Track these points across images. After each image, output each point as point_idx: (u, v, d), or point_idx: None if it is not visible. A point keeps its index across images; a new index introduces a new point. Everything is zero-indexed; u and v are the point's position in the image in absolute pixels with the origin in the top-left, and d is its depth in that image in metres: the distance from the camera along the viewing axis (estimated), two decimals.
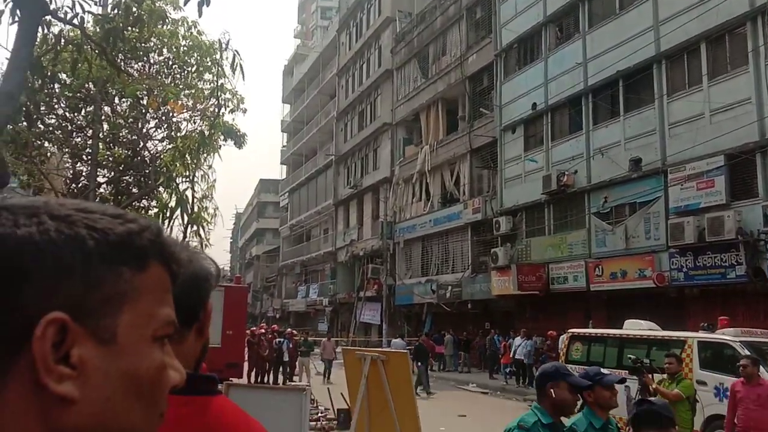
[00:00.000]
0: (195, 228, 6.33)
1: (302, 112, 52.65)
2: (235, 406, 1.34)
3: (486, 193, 26.87)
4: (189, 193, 6.46)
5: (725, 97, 16.36)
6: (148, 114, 8.89)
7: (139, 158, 8.93)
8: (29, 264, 0.61)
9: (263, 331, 22.57)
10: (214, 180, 7.17)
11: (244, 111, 8.03)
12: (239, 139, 8.45)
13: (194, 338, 1.26)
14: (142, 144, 8.93)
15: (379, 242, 34.09)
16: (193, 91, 8.21)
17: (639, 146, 18.82)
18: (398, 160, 34.41)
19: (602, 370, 4.14)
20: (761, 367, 8.40)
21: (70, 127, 9.69)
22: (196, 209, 6.31)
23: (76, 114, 9.47)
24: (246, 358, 19.57)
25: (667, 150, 17.87)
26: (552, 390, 3.47)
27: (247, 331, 20.79)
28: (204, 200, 6.70)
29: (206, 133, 7.06)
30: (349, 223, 41.45)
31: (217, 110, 7.48)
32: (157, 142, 9.05)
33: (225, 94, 7.63)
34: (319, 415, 13.63)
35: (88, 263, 0.63)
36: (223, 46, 6.18)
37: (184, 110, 8.05)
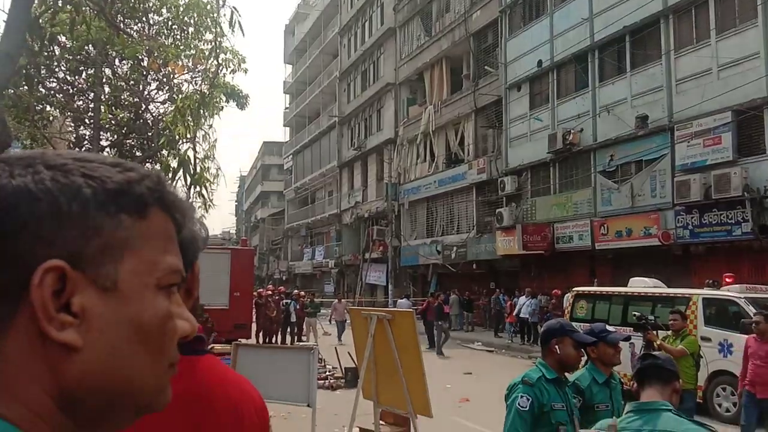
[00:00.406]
0: (198, 189, 6.34)
1: (304, 73, 52.19)
2: (224, 366, 1.34)
3: (491, 153, 26.75)
4: (190, 153, 6.46)
5: (733, 51, 16.11)
6: (149, 76, 8.84)
7: (141, 121, 8.90)
8: (25, 213, 0.61)
9: (270, 292, 22.77)
10: (215, 140, 7.14)
11: (245, 71, 7.97)
12: (241, 100, 8.39)
13: (183, 299, 1.26)
14: (144, 107, 8.89)
15: (384, 204, 34.11)
16: (193, 51, 8.14)
17: (645, 103, 18.64)
18: (402, 121, 34.19)
19: (607, 327, 4.17)
20: None
21: (71, 91, 9.64)
22: (198, 170, 6.30)
23: (77, 77, 9.40)
24: (254, 319, 19.79)
25: (674, 107, 17.70)
26: (557, 346, 3.53)
27: (255, 293, 21.00)
28: (206, 160, 6.69)
29: (206, 92, 7.00)
30: (354, 185, 41.42)
31: (216, 70, 7.43)
32: (159, 104, 9.02)
33: (225, 54, 7.55)
34: (327, 373, 13.85)
35: (86, 211, 0.63)
36: (220, 2, 6.09)
37: (185, 71, 7.98)
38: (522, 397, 3.38)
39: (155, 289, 0.67)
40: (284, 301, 21.73)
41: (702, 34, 17.21)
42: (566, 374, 3.67)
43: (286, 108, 60.46)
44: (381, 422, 8.52)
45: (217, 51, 6.34)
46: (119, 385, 0.65)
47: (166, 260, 0.68)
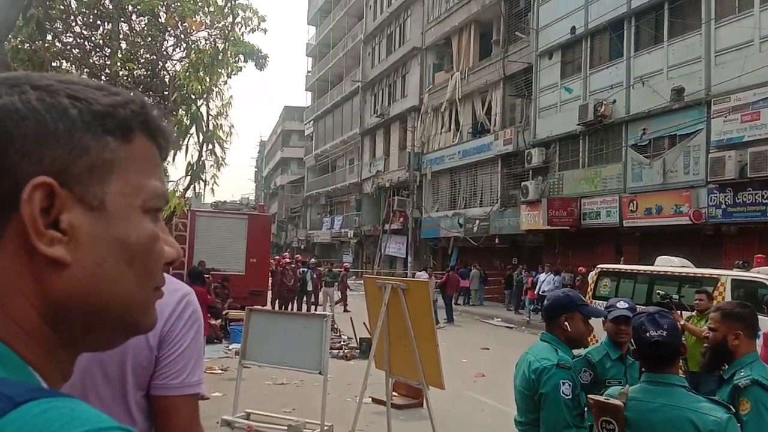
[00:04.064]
0: (210, 147, 6.37)
1: (328, 35, 51.80)
2: None
3: (518, 123, 26.50)
4: (204, 109, 6.50)
5: None
6: (166, 33, 8.86)
7: (157, 79, 8.96)
8: (12, 130, 0.64)
9: (288, 260, 23.00)
10: (231, 96, 7.16)
11: (265, 31, 7.94)
12: (260, 60, 8.37)
13: None
14: (161, 64, 8.94)
15: (406, 174, 34.05)
16: (212, 8, 8.12)
17: (682, 75, 18.29)
18: (427, 88, 33.92)
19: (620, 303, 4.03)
20: None
21: (87, 46, 9.70)
22: (210, 127, 6.32)
23: (93, 32, 9.46)
24: (270, 287, 20.02)
25: (711, 79, 17.34)
26: (566, 323, 3.33)
27: (271, 260, 21.21)
28: (219, 117, 6.71)
29: (221, 47, 7.01)
30: (376, 153, 41.34)
31: (233, 23, 7.41)
32: (176, 62, 9.06)
33: (244, 11, 7.52)
34: (342, 343, 14.04)
35: (71, 131, 0.66)
36: None
37: (203, 27, 7.98)
38: (564, 384, 3.18)
39: (141, 212, 0.70)
40: (301, 269, 21.92)
41: (745, 4, 16.76)
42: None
43: (309, 72, 60.19)
44: (394, 393, 8.66)
45: (233, 6, 6.30)
46: (105, 302, 0.68)
47: (151, 184, 0.72)
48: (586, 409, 3.31)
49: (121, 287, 0.69)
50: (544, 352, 3.32)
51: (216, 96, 7.00)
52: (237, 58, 7.88)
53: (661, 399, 2.51)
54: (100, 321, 0.69)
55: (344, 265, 27.63)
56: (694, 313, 8.42)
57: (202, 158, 6.56)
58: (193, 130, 6.31)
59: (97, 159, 0.67)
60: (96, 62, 9.47)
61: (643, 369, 2.87)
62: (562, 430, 3.13)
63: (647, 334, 2.56)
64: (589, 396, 2.78)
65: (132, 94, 0.74)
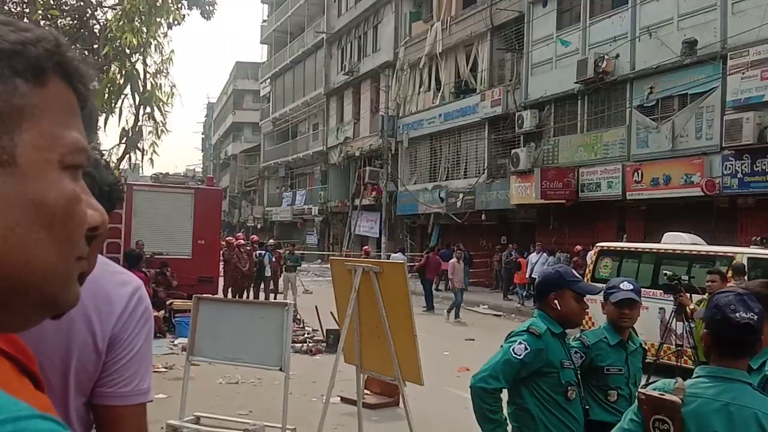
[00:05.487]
0: (149, 110, 6.30)
1: None
2: None
3: (508, 81, 26.58)
4: (140, 66, 6.41)
5: None
6: None
7: (86, 30, 8.80)
8: None
9: (242, 241, 22.93)
10: (172, 51, 7.05)
11: None
12: (207, 7, 8.24)
13: None
14: (89, 12, 8.79)
15: (379, 141, 34.03)
16: None
17: (695, 25, 18.45)
18: (403, 41, 33.82)
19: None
20: None
21: None
22: (148, 87, 6.26)
23: None
24: (221, 273, 19.97)
25: (728, 30, 17.52)
26: (556, 301, 3.55)
27: (223, 242, 21.14)
28: (158, 76, 6.62)
29: None
30: (344, 117, 41.21)
31: None
32: (107, 9, 8.90)
33: None
34: (306, 336, 14.11)
35: None
36: None
37: None
38: (520, 343, 3.40)
39: (59, 168, 0.69)
40: (258, 252, 21.88)
41: None
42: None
43: (264, 21, 59.55)
44: (366, 391, 8.75)
45: None
46: (20, 273, 0.67)
47: (70, 135, 0.70)
48: (570, 391, 3.45)
49: (39, 256, 0.67)
50: (531, 321, 3.60)
51: (155, 50, 6.92)
52: (179, 5, 7.78)
53: (725, 397, 2.51)
54: (13, 296, 0.67)
55: (365, 249, 27.50)
56: (705, 297, 8.60)
57: (139, 123, 6.50)
58: (127, 90, 6.24)
59: (4, 105, 0.65)
60: (12, 9, 9.30)
61: (702, 360, 2.85)
62: (486, 378, 3.38)
63: (736, 315, 2.49)
64: (641, 390, 2.82)
65: (45, 30, 0.71)
